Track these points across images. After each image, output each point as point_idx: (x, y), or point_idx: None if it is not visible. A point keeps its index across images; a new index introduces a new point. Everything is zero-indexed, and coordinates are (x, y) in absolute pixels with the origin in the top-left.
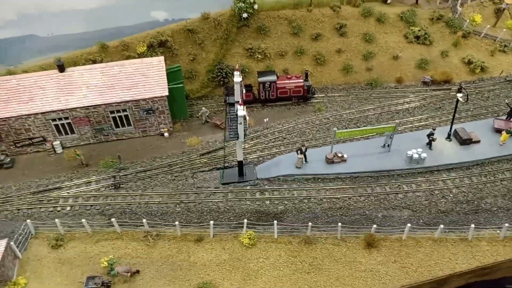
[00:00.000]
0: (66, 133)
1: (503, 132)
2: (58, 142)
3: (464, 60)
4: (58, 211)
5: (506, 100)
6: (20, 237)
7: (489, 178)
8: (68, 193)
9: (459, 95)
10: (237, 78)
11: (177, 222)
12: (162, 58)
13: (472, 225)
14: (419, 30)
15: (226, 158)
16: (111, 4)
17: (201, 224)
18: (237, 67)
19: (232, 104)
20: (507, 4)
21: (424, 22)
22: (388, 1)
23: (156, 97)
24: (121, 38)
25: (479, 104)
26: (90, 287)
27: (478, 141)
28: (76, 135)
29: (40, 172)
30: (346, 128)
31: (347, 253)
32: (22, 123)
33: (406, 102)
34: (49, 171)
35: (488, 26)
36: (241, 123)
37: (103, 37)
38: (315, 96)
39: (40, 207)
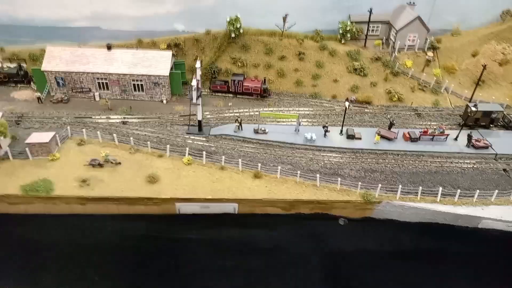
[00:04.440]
0: (104, 89)
1: (377, 134)
2: (98, 93)
3: (387, 90)
4: (87, 128)
5: (389, 116)
6: (63, 134)
7: (354, 159)
8: (96, 121)
9: (347, 103)
10: (198, 64)
11: (149, 142)
12: (170, 52)
13: (318, 175)
14: (358, 65)
15: (191, 119)
16: (149, 14)
17: (163, 147)
18: (197, 57)
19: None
20: (430, 56)
21: (366, 60)
22: (343, 42)
23: (161, 75)
24: (152, 38)
25: (381, 120)
26: (91, 164)
27: (360, 138)
28: (110, 92)
29: (83, 109)
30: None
31: (241, 179)
32: (79, 77)
33: (331, 110)
34: (87, 108)
35: (412, 69)
36: (194, 90)
37: (141, 35)
38: (269, 96)
39: (79, 123)
